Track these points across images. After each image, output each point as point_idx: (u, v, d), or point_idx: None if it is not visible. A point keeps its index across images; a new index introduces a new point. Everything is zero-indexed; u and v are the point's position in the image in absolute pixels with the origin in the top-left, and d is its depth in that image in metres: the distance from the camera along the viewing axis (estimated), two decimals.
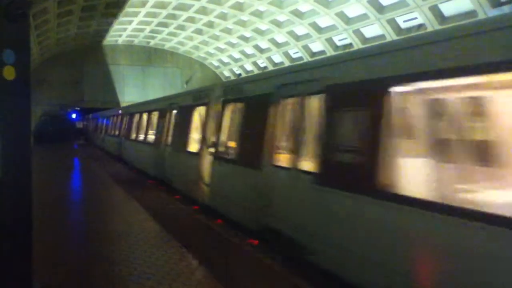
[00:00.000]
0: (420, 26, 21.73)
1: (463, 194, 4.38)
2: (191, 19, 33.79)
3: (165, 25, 35.95)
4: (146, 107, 18.34)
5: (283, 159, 6.86)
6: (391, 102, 4.74)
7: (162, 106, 15.05)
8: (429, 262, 4.17)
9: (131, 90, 42.62)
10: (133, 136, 19.28)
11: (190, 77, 43.64)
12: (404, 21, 22.68)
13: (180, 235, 7.00)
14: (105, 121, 30.47)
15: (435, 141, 4.62)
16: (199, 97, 11.40)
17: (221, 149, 9.22)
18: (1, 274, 3.37)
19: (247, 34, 34.20)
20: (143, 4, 30.85)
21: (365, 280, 4.85)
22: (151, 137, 16.11)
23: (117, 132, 24.03)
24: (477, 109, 4.62)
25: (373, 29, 24.63)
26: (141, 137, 17.81)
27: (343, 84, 5.62)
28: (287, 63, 33.02)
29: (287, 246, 6.34)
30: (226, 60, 42.10)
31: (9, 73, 3.35)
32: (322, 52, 29.36)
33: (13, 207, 3.41)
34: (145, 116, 17.66)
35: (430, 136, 4.64)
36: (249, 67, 39.96)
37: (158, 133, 14.82)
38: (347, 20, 25.54)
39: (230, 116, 9.18)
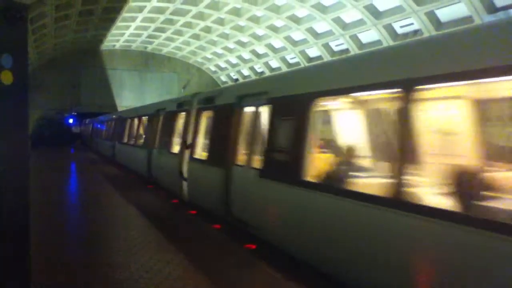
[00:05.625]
0: (416, 31, 21.88)
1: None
2: (188, 24, 33.88)
3: (162, 30, 36.02)
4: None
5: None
6: None
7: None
8: None
9: (128, 95, 42.63)
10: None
11: (188, 82, 43.68)
12: (401, 27, 22.83)
13: (178, 240, 6.99)
14: (89, 125, 38.98)
15: None
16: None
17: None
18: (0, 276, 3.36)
19: (244, 39, 34.31)
20: (141, 9, 30.94)
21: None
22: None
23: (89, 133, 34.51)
24: None
25: (370, 35, 24.77)
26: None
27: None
28: (284, 68, 33.12)
29: None
30: (223, 65, 42.17)
31: (7, 77, 3.35)
32: (319, 57, 29.48)
33: (11, 210, 3.40)
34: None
35: None
36: (246, 72, 40.05)
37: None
38: (344, 26, 25.68)
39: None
